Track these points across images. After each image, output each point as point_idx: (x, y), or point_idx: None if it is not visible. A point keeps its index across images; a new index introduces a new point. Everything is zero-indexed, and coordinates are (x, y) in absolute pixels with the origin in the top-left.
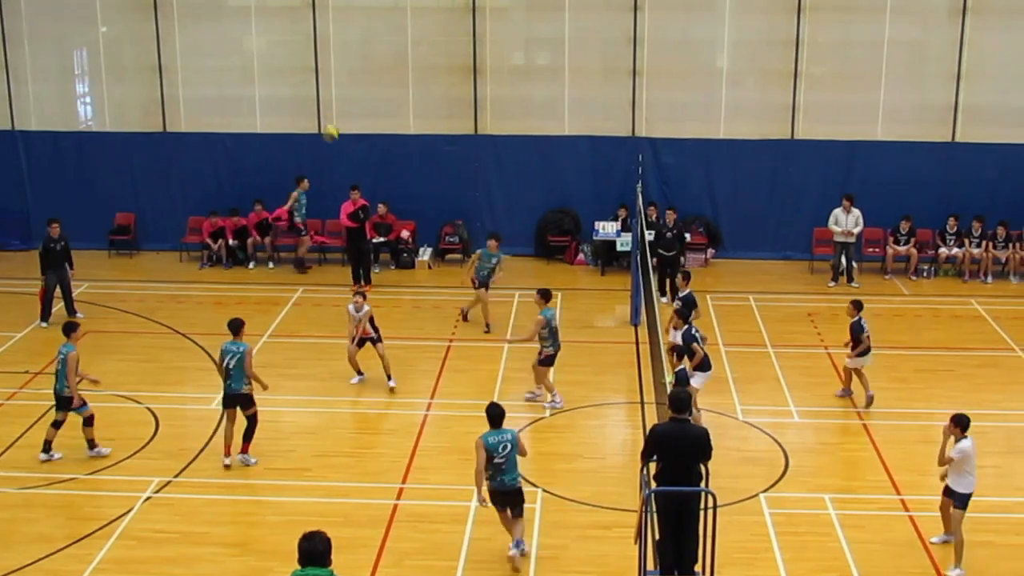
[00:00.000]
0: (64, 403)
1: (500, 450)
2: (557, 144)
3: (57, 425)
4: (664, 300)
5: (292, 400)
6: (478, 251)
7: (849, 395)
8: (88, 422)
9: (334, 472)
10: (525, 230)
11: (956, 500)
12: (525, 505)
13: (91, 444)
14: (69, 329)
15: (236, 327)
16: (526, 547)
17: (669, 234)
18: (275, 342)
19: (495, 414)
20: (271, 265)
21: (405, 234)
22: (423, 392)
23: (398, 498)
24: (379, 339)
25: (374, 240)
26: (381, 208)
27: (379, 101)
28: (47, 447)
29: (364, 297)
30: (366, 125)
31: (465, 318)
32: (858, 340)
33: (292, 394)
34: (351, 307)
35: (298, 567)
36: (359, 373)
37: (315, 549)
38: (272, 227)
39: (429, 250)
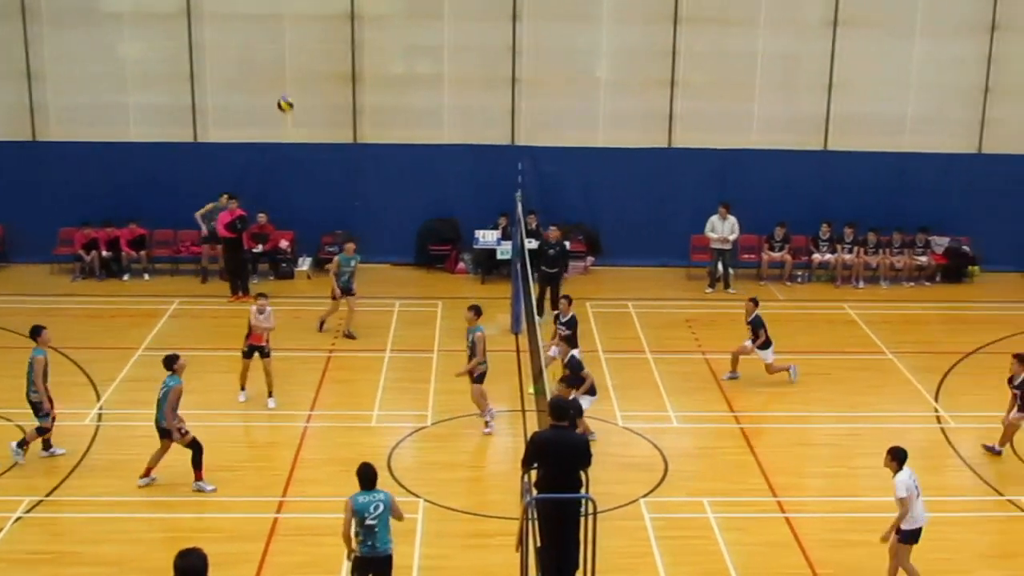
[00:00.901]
0: None
1: (371, 510)
2: (437, 153)
3: None
4: (540, 319)
5: None
6: (335, 258)
7: (736, 377)
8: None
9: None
10: (405, 239)
11: (900, 535)
12: (408, 515)
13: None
14: None
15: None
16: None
17: (552, 251)
18: (151, 355)
19: (366, 474)
20: (146, 277)
21: (284, 244)
22: (303, 404)
23: (279, 511)
24: (268, 353)
25: (252, 250)
26: (260, 218)
27: (257, 109)
28: None
29: (267, 299)
30: (244, 134)
31: (321, 328)
32: (758, 335)
33: None
34: (254, 308)
35: None
36: (243, 389)
37: (191, 566)
38: (147, 241)
39: (308, 260)
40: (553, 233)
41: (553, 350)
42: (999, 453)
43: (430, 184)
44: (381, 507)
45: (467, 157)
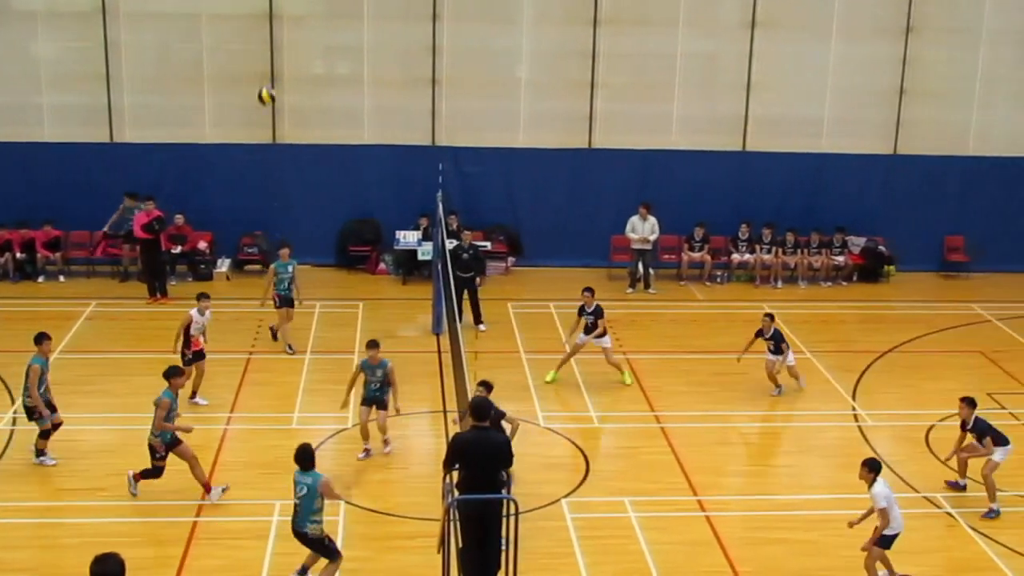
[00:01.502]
0: None
1: (297, 490)
2: (357, 153)
3: None
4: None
5: (88, 418)
6: (271, 265)
7: (781, 392)
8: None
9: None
10: (326, 240)
11: (879, 540)
12: (330, 518)
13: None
14: None
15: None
16: None
17: (466, 255)
18: (68, 358)
19: (301, 455)
20: (62, 279)
21: (203, 245)
22: (223, 406)
23: (198, 515)
24: (204, 355)
25: (171, 251)
26: (178, 219)
27: (175, 109)
28: None
29: (209, 299)
30: (161, 134)
31: (275, 337)
32: (781, 348)
33: (87, 411)
34: (194, 312)
35: None
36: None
37: (107, 571)
38: (62, 243)
39: (228, 261)
40: (467, 237)
41: (582, 337)
42: (964, 487)
43: (350, 185)
44: (305, 490)
45: (388, 158)
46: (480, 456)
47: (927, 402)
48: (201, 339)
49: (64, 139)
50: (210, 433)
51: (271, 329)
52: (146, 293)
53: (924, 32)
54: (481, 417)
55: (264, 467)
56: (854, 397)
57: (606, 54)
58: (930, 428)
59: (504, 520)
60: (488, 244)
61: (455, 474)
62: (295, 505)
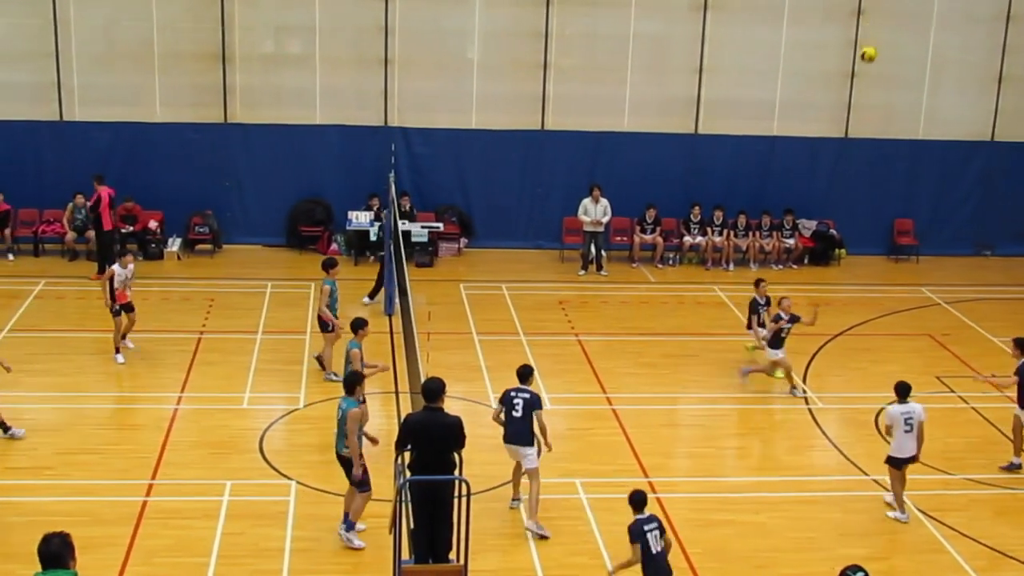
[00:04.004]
0: None
1: (337, 414)
2: (308, 133)
3: None
4: (367, 301)
5: (33, 397)
6: (324, 286)
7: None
8: None
9: (79, 470)
10: (276, 220)
11: (888, 460)
12: (280, 498)
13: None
14: None
15: None
16: (352, 540)
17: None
18: (15, 337)
19: (345, 379)
20: (11, 257)
21: (153, 224)
22: (173, 386)
23: (148, 495)
24: (133, 308)
25: (120, 230)
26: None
27: (123, 88)
28: None
29: (128, 255)
30: (110, 113)
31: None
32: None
33: (33, 390)
34: (116, 267)
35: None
36: (118, 351)
37: (51, 551)
38: (10, 218)
39: (178, 240)
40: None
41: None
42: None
43: (302, 165)
44: (340, 413)
45: (339, 138)
46: (432, 437)
47: (876, 385)
48: (128, 292)
49: (13, 117)
50: (160, 413)
51: (317, 359)
52: (95, 271)
53: (874, 15)
54: (432, 399)
55: (214, 447)
56: (804, 380)
57: (558, 35)
58: (879, 411)
59: (455, 501)
60: (440, 225)
61: (407, 455)
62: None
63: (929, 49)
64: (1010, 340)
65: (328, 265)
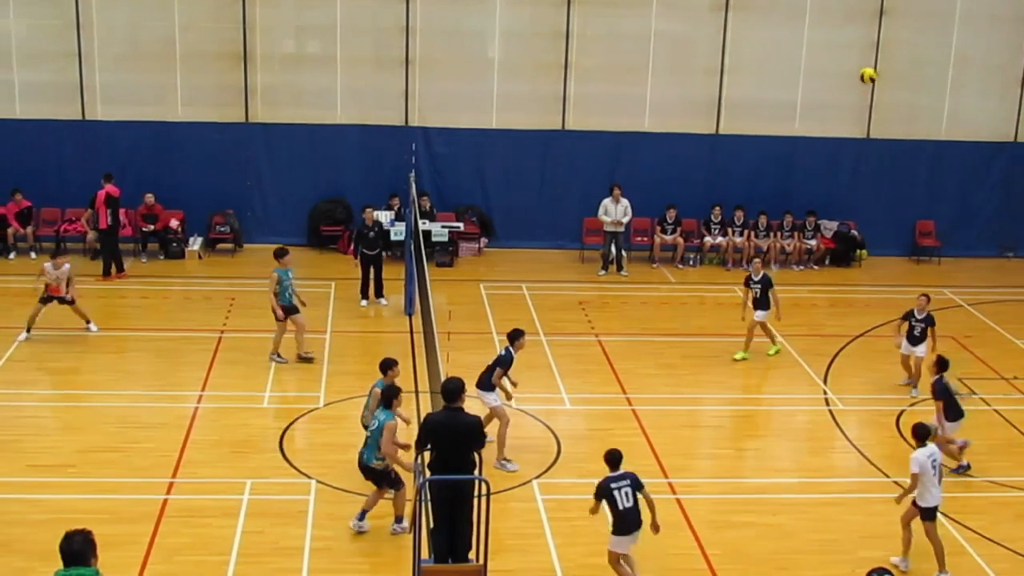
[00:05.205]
0: None
1: (371, 425)
2: (329, 133)
3: None
4: (364, 303)
5: (55, 395)
6: (273, 273)
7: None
8: None
9: (100, 468)
10: (297, 220)
11: (920, 512)
12: (300, 497)
13: None
14: None
15: None
16: (404, 525)
17: (371, 233)
18: (37, 334)
19: (383, 392)
20: (33, 256)
21: (174, 224)
22: (193, 385)
23: (168, 493)
24: (73, 300)
25: (142, 229)
26: (148, 198)
27: (145, 88)
28: None
29: (66, 255)
30: (132, 112)
31: (309, 359)
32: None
33: (55, 388)
34: (48, 265)
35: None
36: (28, 331)
37: (73, 549)
38: (33, 216)
39: (200, 240)
40: (369, 215)
41: (759, 314)
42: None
43: (323, 165)
44: (376, 424)
45: (360, 138)
46: (451, 437)
47: (898, 387)
48: (62, 287)
49: (36, 116)
50: (181, 411)
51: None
52: (113, 271)
53: (897, 16)
54: (452, 399)
55: (234, 445)
56: (825, 381)
57: (579, 35)
58: (900, 413)
59: (475, 500)
60: (460, 225)
61: (427, 455)
62: (366, 437)
63: (952, 49)
64: None
65: (279, 254)
